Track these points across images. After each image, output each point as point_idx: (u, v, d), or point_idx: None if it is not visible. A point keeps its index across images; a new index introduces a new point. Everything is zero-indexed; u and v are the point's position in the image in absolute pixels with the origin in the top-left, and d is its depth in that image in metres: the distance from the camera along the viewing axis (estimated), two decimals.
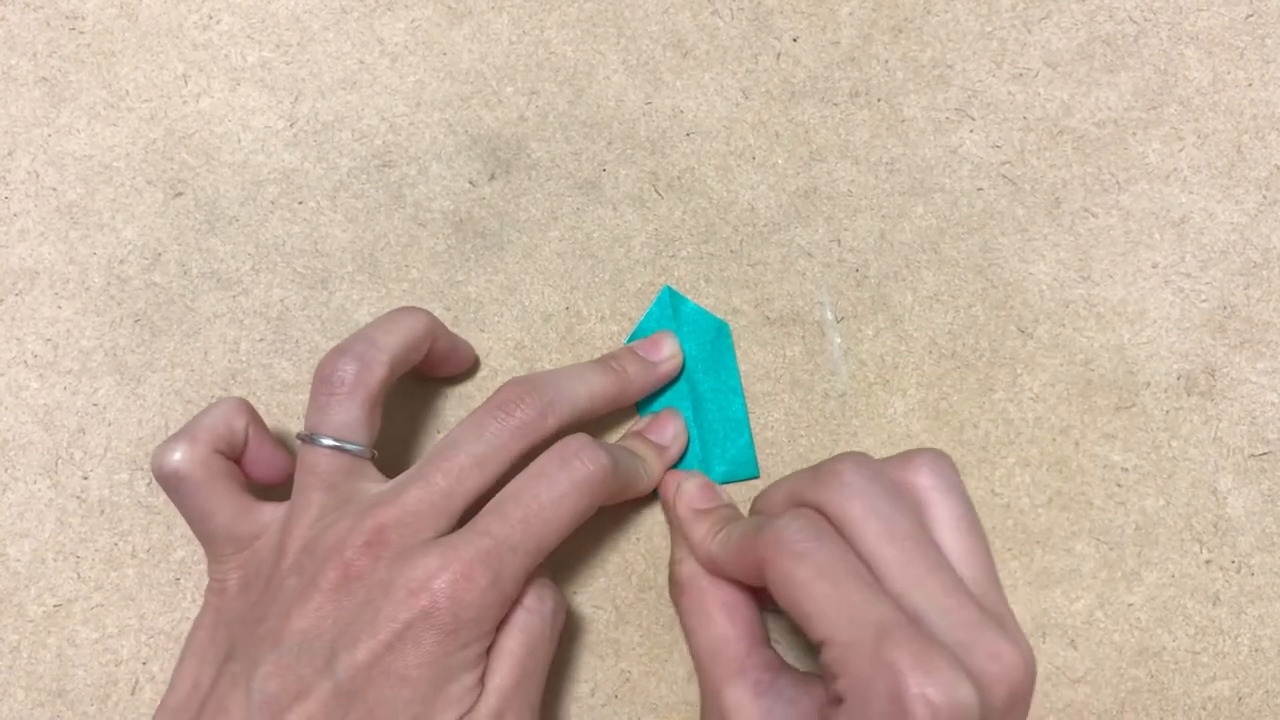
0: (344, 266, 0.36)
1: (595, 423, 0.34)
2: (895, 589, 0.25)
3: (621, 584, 0.34)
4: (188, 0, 0.38)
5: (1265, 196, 0.36)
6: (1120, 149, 0.36)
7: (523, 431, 0.29)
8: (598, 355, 0.35)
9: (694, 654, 0.30)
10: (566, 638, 0.33)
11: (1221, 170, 0.36)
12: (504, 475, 0.29)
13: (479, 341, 0.35)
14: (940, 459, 0.28)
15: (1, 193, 0.37)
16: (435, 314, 0.36)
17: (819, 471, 0.28)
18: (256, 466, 0.31)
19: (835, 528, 0.26)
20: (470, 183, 0.37)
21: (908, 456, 0.28)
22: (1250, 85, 0.37)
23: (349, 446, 0.29)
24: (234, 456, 0.30)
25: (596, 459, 0.29)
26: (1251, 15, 0.37)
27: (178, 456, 0.29)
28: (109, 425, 0.35)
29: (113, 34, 0.38)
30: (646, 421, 0.34)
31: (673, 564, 0.32)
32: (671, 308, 0.34)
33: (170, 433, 0.34)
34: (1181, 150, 0.36)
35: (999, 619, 0.26)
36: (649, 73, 0.37)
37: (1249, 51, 0.37)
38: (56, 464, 0.35)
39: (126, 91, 0.38)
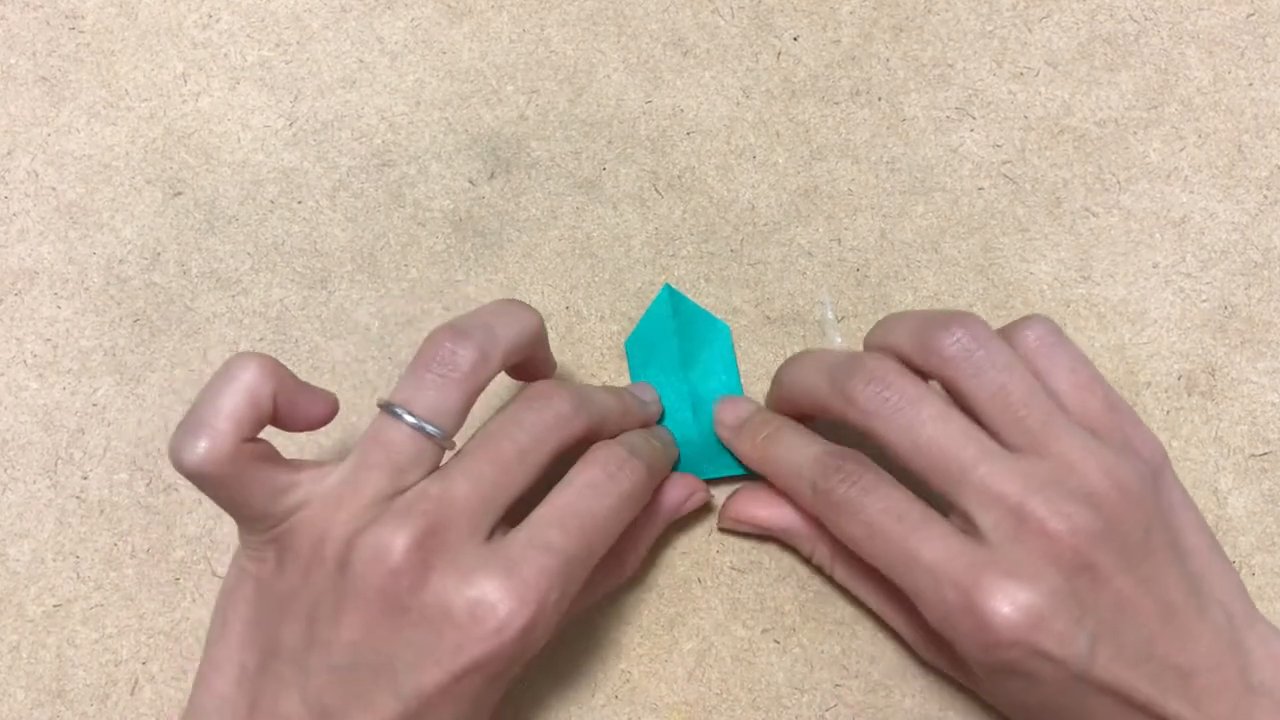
0: (343, 266, 0.36)
1: None
2: (945, 492, 0.27)
3: (621, 584, 0.34)
4: (187, 0, 0.38)
5: (1266, 196, 0.36)
6: (1121, 148, 0.36)
7: (559, 425, 0.28)
8: (598, 355, 0.35)
9: (878, 611, 0.31)
10: (567, 638, 0.33)
11: (1222, 170, 0.36)
12: (541, 474, 0.28)
13: None
14: (1044, 320, 0.29)
15: (1, 193, 0.37)
16: (433, 313, 0.36)
17: (850, 370, 0.28)
18: (295, 423, 0.28)
19: (873, 434, 0.28)
20: (470, 182, 0.37)
21: (1013, 324, 0.29)
22: (1251, 85, 0.37)
23: (431, 429, 0.26)
24: (264, 427, 0.27)
25: (638, 470, 0.29)
26: (1252, 15, 0.37)
27: (200, 454, 0.25)
28: (108, 425, 0.35)
29: (112, 33, 0.38)
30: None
31: (809, 557, 0.33)
32: (671, 306, 0.34)
33: (177, 425, 0.31)
34: (1182, 150, 0.36)
35: (1120, 441, 0.28)
36: (649, 71, 0.37)
37: (1249, 51, 0.37)
38: (56, 464, 0.35)
39: (126, 91, 0.38)
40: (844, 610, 0.33)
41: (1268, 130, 0.36)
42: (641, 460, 0.29)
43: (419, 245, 0.36)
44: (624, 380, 0.35)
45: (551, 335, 0.35)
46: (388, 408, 0.27)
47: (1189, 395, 0.35)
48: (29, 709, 0.33)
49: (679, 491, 0.32)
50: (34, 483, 0.35)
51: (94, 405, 0.35)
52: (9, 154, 0.37)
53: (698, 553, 0.34)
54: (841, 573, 0.32)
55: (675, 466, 0.33)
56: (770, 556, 0.34)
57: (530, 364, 0.31)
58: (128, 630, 0.33)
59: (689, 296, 0.35)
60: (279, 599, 0.27)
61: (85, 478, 0.35)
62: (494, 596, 0.25)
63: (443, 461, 0.28)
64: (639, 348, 0.34)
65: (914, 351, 0.28)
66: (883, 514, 0.27)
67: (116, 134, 0.37)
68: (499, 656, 0.25)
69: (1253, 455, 0.34)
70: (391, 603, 0.25)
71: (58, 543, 0.34)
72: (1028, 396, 0.27)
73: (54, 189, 0.37)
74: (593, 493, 0.28)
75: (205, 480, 0.26)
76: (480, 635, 0.25)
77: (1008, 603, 0.25)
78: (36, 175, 0.37)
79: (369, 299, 0.36)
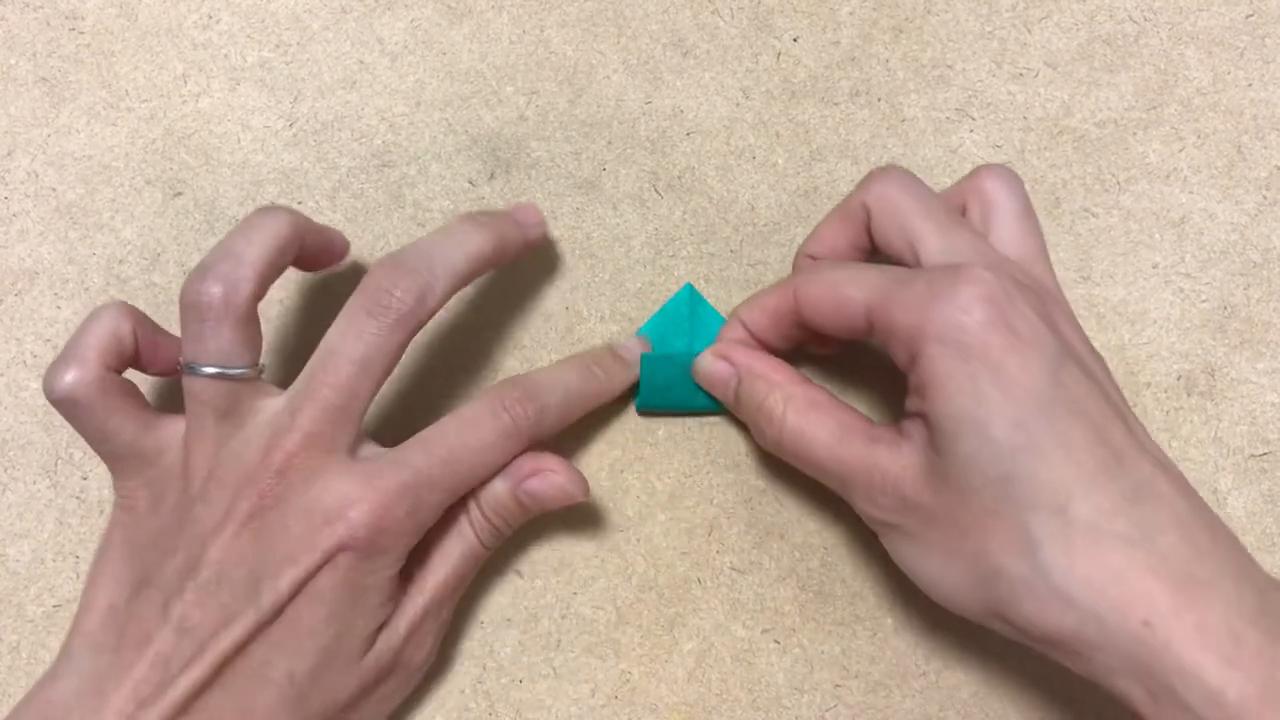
0: (343, 266, 0.36)
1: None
2: (931, 254, 0.28)
3: (621, 584, 0.34)
4: (187, 0, 0.38)
5: (1265, 197, 0.36)
6: (1120, 149, 0.36)
7: (402, 323, 0.28)
8: None
9: (826, 453, 0.29)
10: (567, 638, 0.33)
11: (1221, 170, 0.36)
12: (395, 364, 0.29)
13: (479, 340, 0.35)
14: (1004, 169, 0.31)
15: (1, 193, 0.37)
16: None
17: (861, 181, 0.31)
18: (156, 366, 0.30)
19: (879, 215, 0.30)
20: (470, 182, 0.37)
21: (977, 169, 0.31)
22: (1250, 85, 0.37)
23: (231, 371, 0.28)
24: (126, 365, 0.29)
25: (527, 411, 0.30)
26: (1251, 15, 0.37)
27: (69, 379, 0.28)
28: None
29: (112, 34, 0.38)
30: (621, 343, 0.34)
31: (759, 406, 0.31)
32: (689, 306, 0.34)
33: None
34: (1181, 150, 0.36)
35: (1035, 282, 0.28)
36: (649, 72, 0.37)
37: (1249, 51, 0.37)
38: (56, 464, 0.35)
39: (126, 91, 0.38)
40: (844, 610, 0.33)
41: (1267, 131, 0.36)
42: (535, 403, 0.30)
43: None
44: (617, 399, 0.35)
45: (551, 335, 0.35)
46: (185, 367, 0.28)
47: (1189, 395, 0.35)
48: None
49: (530, 463, 0.31)
50: (34, 483, 0.35)
51: None
52: (9, 154, 0.37)
53: (698, 553, 0.34)
54: (794, 416, 0.30)
55: (660, 397, 0.33)
56: (770, 557, 0.34)
57: (306, 256, 0.32)
58: None
59: None
60: (151, 536, 0.29)
61: (85, 478, 0.35)
62: (347, 497, 0.27)
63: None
64: (651, 338, 0.34)
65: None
66: (858, 265, 0.30)
67: (116, 134, 0.37)
68: (347, 548, 0.27)
69: (1252, 455, 0.34)
70: (253, 515, 0.27)
71: (58, 543, 0.34)
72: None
73: (54, 189, 0.37)
74: (468, 425, 0.29)
75: (75, 406, 0.28)
76: (330, 530, 0.27)
77: (981, 278, 0.26)
78: (36, 176, 0.37)
79: None
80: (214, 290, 0.28)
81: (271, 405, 0.29)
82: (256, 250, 0.29)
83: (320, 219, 0.36)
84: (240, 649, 0.27)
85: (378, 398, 0.34)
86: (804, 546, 0.34)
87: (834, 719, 0.33)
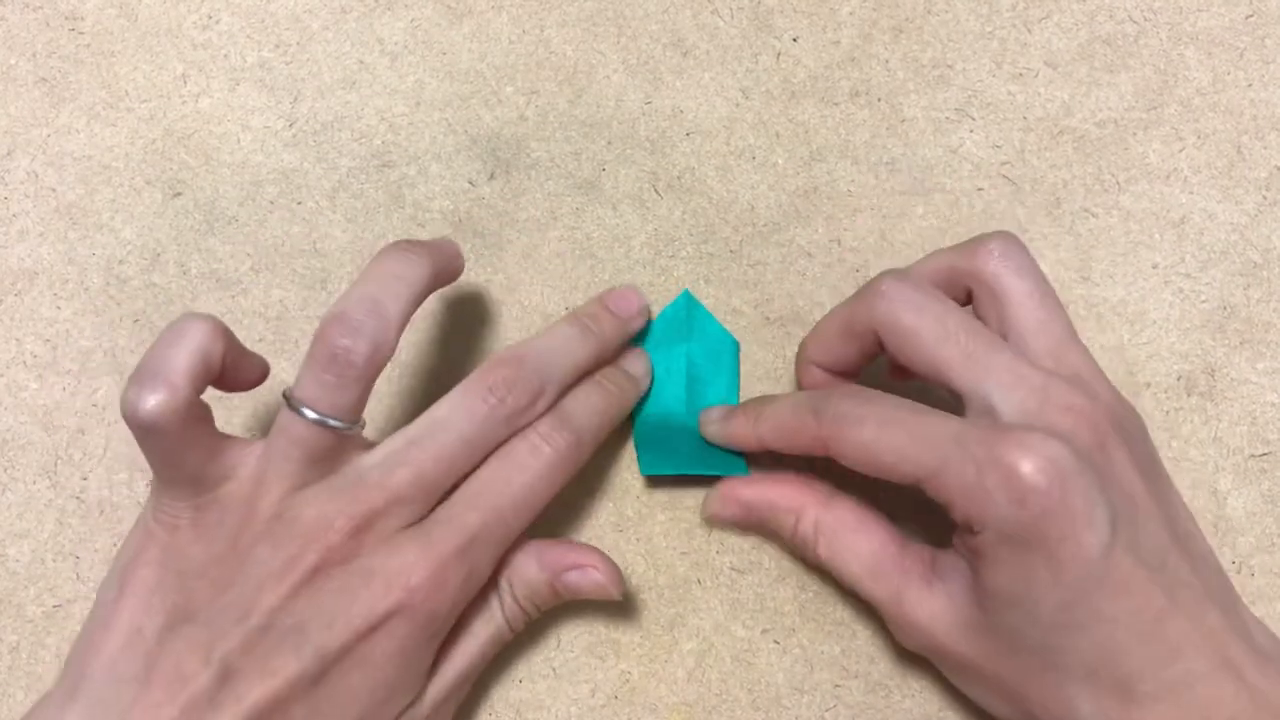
0: (343, 267, 0.36)
1: None
2: (963, 387, 0.27)
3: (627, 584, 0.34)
4: (187, 0, 0.38)
5: (1265, 197, 0.36)
6: (1120, 149, 0.36)
7: (514, 420, 0.29)
8: None
9: (857, 585, 0.30)
10: (567, 638, 0.33)
11: (1221, 170, 0.36)
12: (485, 455, 0.29)
13: (479, 341, 0.35)
14: (1008, 240, 0.29)
15: (1, 193, 0.37)
16: (433, 313, 0.36)
17: (860, 294, 0.29)
18: (233, 385, 0.29)
19: (894, 344, 0.28)
20: (470, 183, 0.37)
21: (975, 242, 0.29)
22: (1250, 85, 0.37)
23: (335, 424, 0.27)
24: (207, 385, 0.28)
25: (565, 440, 0.29)
26: (1251, 15, 0.37)
27: (155, 405, 0.26)
28: (108, 425, 0.35)
29: (112, 34, 0.38)
30: (622, 355, 0.34)
31: (792, 535, 0.31)
32: (686, 312, 0.34)
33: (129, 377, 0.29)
34: (1181, 150, 0.36)
35: (1071, 375, 0.28)
36: (649, 72, 0.37)
37: (1249, 52, 0.37)
38: (56, 464, 0.35)
39: (126, 92, 0.38)
40: (844, 610, 0.33)
41: (1267, 131, 0.37)
42: (571, 431, 0.30)
43: None
44: None
45: None
46: (289, 401, 0.27)
47: (1188, 396, 0.35)
48: (29, 709, 0.33)
49: (573, 555, 0.30)
50: (34, 483, 0.35)
51: (94, 405, 0.35)
52: (9, 154, 0.37)
53: (698, 553, 0.34)
54: (825, 546, 0.30)
55: (664, 461, 0.33)
56: (770, 557, 0.34)
57: (438, 284, 0.31)
58: None
59: None
60: (196, 564, 0.27)
61: (85, 478, 0.35)
62: (404, 567, 0.27)
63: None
64: (648, 348, 0.34)
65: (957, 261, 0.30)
66: (895, 408, 0.28)
67: (116, 135, 0.37)
68: (403, 614, 0.26)
69: (1252, 456, 0.34)
70: (318, 570, 0.26)
71: (58, 543, 0.34)
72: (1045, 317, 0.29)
73: (54, 189, 0.37)
74: (513, 468, 0.29)
75: (157, 433, 0.26)
76: (387, 594, 0.26)
77: (1036, 454, 0.25)
78: (36, 176, 0.37)
79: None
80: (361, 349, 0.27)
81: (365, 461, 0.28)
82: (401, 305, 0.28)
83: (320, 219, 0.36)
84: (279, 705, 0.25)
85: (377, 396, 0.34)
86: None
87: (834, 719, 0.33)
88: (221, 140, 0.37)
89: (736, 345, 0.35)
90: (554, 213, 0.36)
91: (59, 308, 0.36)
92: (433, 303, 0.36)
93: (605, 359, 0.32)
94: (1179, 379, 0.35)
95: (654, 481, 0.34)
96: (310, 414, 0.27)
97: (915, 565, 0.29)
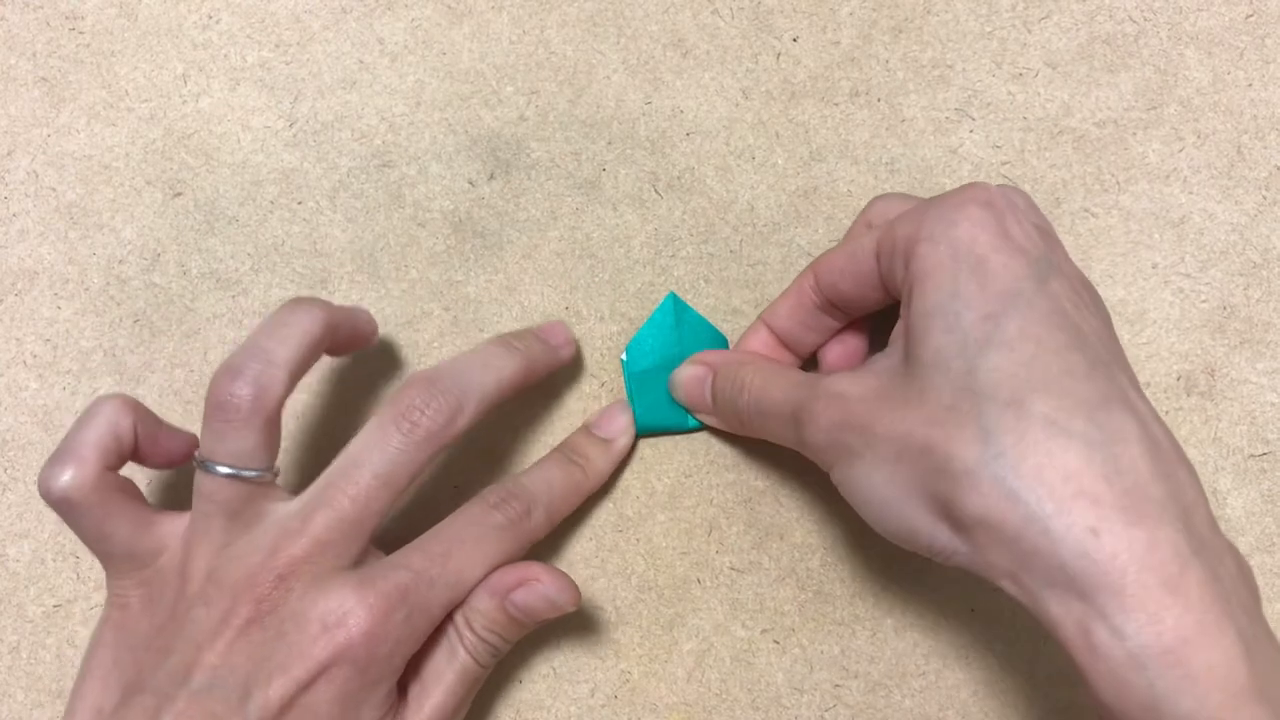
0: (343, 266, 0.36)
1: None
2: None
3: (621, 584, 0.34)
4: (187, 0, 0.38)
5: (1265, 197, 0.36)
6: (1120, 149, 0.36)
7: (429, 442, 0.28)
8: (598, 355, 0.35)
9: (782, 410, 0.29)
10: (567, 638, 0.33)
11: (1221, 170, 0.36)
12: (412, 483, 0.29)
13: (478, 341, 0.35)
14: (1014, 188, 0.29)
15: (1, 193, 0.37)
16: (433, 314, 0.36)
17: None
18: (156, 460, 0.30)
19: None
20: (470, 183, 0.37)
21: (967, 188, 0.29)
22: (1250, 85, 0.37)
23: (246, 474, 0.28)
24: (125, 461, 0.29)
25: (515, 510, 0.30)
26: (1251, 15, 0.37)
27: (66, 480, 0.27)
28: None
29: (112, 34, 0.38)
30: (596, 416, 0.34)
31: (734, 409, 0.31)
32: (674, 315, 0.34)
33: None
34: (1181, 150, 0.36)
35: None
36: (649, 72, 0.37)
37: (1249, 52, 0.37)
38: None
39: (126, 91, 0.38)
40: (844, 610, 0.33)
41: (1267, 131, 0.37)
42: (520, 501, 0.30)
43: (419, 246, 0.36)
44: (619, 390, 0.35)
45: None
46: (200, 464, 0.28)
47: (1188, 395, 0.35)
48: (29, 709, 0.33)
49: (517, 573, 0.30)
50: (34, 483, 0.35)
51: None
52: (9, 154, 0.37)
53: (698, 553, 0.34)
54: (759, 378, 0.30)
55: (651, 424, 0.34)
56: (770, 556, 0.34)
57: (339, 345, 0.31)
58: None
59: (689, 297, 0.36)
60: (144, 638, 0.28)
61: None
62: (344, 606, 0.26)
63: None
64: (639, 353, 0.34)
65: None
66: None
67: (116, 134, 0.37)
68: (343, 659, 0.26)
69: (1252, 455, 0.34)
70: (252, 621, 0.26)
71: (58, 543, 0.34)
72: None
73: (54, 189, 0.37)
74: (465, 523, 0.29)
75: (72, 507, 0.27)
76: (325, 640, 0.26)
77: (980, 189, 0.26)
78: (36, 175, 0.37)
79: (369, 299, 0.36)
80: (244, 393, 0.27)
81: (282, 509, 0.28)
82: (289, 351, 0.28)
83: (320, 219, 0.36)
84: None
85: (377, 399, 0.34)
86: (804, 546, 0.34)
87: (834, 719, 0.33)
88: (222, 140, 0.37)
89: (725, 340, 0.35)
90: (554, 213, 0.36)
91: (59, 308, 0.36)
92: (432, 304, 0.36)
93: (532, 379, 0.31)
94: (1179, 379, 0.35)
95: (654, 481, 0.34)
96: (219, 469, 0.27)
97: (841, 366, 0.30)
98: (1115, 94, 0.37)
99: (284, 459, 0.34)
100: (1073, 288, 0.25)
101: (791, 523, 0.34)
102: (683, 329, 0.34)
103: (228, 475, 0.27)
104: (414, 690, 0.29)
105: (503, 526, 0.30)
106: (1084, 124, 0.37)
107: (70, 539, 0.34)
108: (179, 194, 0.37)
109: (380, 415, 0.28)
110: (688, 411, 0.34)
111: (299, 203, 0.37)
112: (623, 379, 0.35)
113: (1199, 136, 0.37)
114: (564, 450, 0.33)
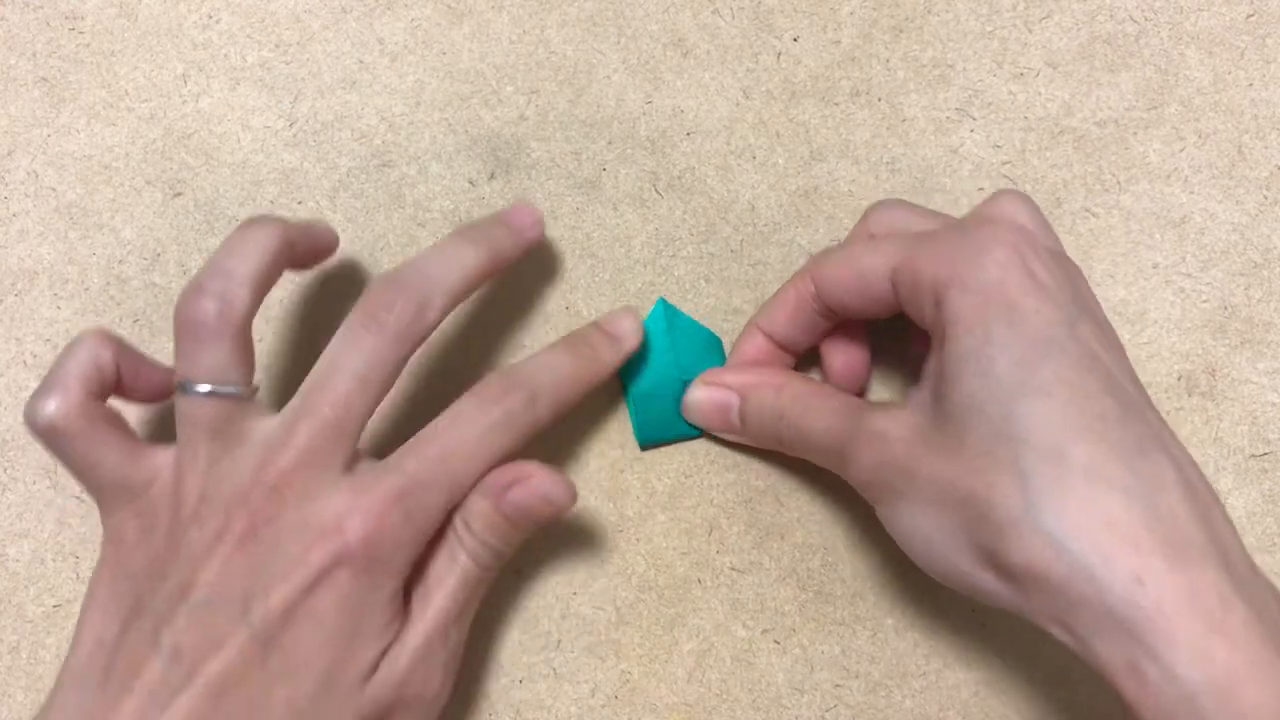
0: (343, 266, 0.36)
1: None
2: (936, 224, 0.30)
3: (621, 584, 0.34)
4: (187, 0, 0.38)
5: (1266, 197, 0.36)
6: (1121, 149, 0.36)
7: (401, 338, 0.28)
8: None
9: (823, 434, 0.29)
10: (567, 638, 0.33)
11: (1222, 170, 0.36)
12: (393, 381, 0.28)
13: (478, 341, 0.35)
14: (1021, 194, 0.30)
15: (1, 193, 0.37)
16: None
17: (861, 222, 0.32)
18: (139, 393, 0.30)
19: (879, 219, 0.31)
20: (470, 182, 0.37)
21: (995, 195, 0.30)
22: (1251, 85, 0.37)
23: (225, 389, 0.27)
24: (109, 392, 0.29)
25: (517, 399, 0.29)
26: (1252, 15, 0.37)
27: (51, 407, 0.27)
28: None
29: (112, 34, 0.38)
30: (605, 317, 0.33)
31: (776, 437, 0.31)
32: (666, 320, 0.34)
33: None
34: (1182, 150, 0.36)
35: None
36: (649, 72, 0.37)
37: (1250, 51, 0.37)
38: (56, 464, 0.35)
39: (126, 91, 0.38)
40: (844, 610, 0.33)
41: (1268, 130, 0.36)
42: (522, 389, 0.29)
43: (419, 246, 0.36)
44: (616, 389, 0.35)
45: (551, 335, 0.35)
46: (179, 386, 0.28)
47: (1189, 395, 0.35)
48: (29, 709, 0.33)
49: (510, 472, 0.30)
50: (34, 483, 0.35)
51: None
52: (9, 154, 0.37)
53: (698, 553, 0.34)
54: (798, 405, 0.30)
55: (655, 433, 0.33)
56: (770, 556, 0.34)
57: (296, 258, 0.31)
58: None
59: (689, 297, 0.35)
60: (141, 565, 0.28)
61: None
62: (339, 510, 0.26)
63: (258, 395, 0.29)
64: (633, 360, 0.34)
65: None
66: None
67: (116, 134, 0.37)
68: (342, 563, 0.26)
69: (1253, 455, 0.34)
70: (247, 535, 0.26)
71: (58, 543, 0.34)
72: None
73: (54, 189, 0.37)
74: (458, 421, 0.29)
75: (58, 435, 0.27)
76: (322, 544, 0.26)
77: (1006, 229, 0.26)
78: (36, 175, 0.37)
79: None
80: (208, 306, 0.27)
81: (266, 424, 0.28)
82: (249, 265, 0.28)
83: (320, 219, 0.36)
84: (236, 675, 0.25)
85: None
86: (804, 546, 0.34)
87: (834, 719, 0.33)
88: (221, 140, 0.37)
89: (719, 341, 0.35)
90: (554, 212, 0.36)
91: (59, 308, 0.36)
92: None
93: (499, 266, 0.31)
94: (1179, 379, 0.35)
95: (654, 481, 0.34)
96: (197, 387, 0.27)
97: (879, 403, 0.29)
98: (1116, 94, 0.37)
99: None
100: (1098, 327, 0.26)
101: (792, 523, 0.34)
102: (675, 334, 0.34)
103: (206, 393, 0.27)
104: (418, 594, 0.29)
105: (502, 421, 0.29)
106: (1085, 124, 0.37)
107: (70, 539, 0.34)
108: (179, 194, 0.37)
109: (349, 320, 0.28)
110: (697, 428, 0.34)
111: (299, 203, 0.37)
112: (621, 378, 0.34)
113: (1200, 136, 0.37)
114: (571, 339, 0.32)
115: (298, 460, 0.27)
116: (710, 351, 0.34)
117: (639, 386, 0.33)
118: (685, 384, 0.33)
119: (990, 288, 0.25)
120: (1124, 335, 0.35)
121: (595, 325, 0.33)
